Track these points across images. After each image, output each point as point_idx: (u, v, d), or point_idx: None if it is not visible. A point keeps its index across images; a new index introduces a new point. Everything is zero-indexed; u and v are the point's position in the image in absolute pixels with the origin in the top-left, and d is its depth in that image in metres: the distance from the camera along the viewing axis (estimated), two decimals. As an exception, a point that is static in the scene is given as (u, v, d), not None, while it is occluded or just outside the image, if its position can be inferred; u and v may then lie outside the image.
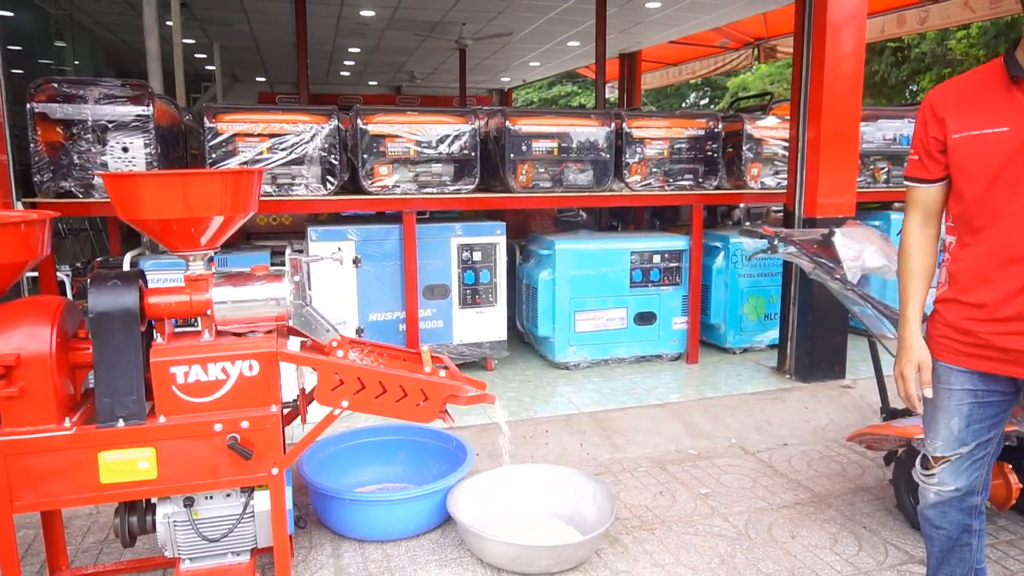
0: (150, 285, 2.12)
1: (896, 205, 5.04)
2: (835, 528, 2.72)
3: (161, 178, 2.03)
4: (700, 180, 4.60)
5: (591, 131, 4.27)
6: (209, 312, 2.07)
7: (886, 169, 4.98)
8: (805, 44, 3.94)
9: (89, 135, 3.40)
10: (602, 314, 4.39)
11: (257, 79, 14.96)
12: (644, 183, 4.46)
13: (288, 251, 2.27)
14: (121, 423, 1.99)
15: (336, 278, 3.89)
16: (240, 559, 2.23)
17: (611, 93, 12.51)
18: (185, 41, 8.36)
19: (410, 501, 2.56)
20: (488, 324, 4.22)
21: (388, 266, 3.98)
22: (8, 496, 1.92)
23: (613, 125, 4.33)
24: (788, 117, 4.72)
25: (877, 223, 4.91)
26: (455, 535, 2.64)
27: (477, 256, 4.15)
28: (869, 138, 4.85)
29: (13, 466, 1.91)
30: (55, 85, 3.37)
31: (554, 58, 12.54)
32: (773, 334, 4.75)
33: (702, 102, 24.16)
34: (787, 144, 4.68)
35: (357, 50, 11.66)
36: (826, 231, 3.09)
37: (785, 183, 4.66)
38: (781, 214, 5.44)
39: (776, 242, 3.25)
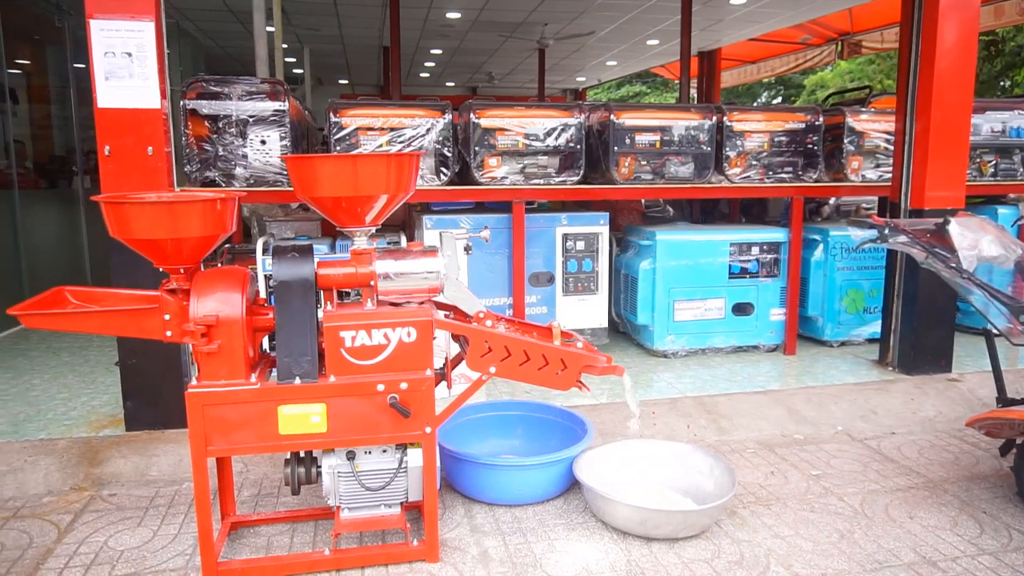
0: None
1: (1011, 196, 4.93)
2: (953, 512, 2.75)
3: (336, 160, 2.26)
4: (799, 173, 4.62)
5: (692, 124, 4.35)
6: (372, 283, 2.28)
7: (993, 162, 4.88)
8: (914, 33, 3.93)
9: (232, 129, 3.70)
10: (700, 304, 4.47)
11: (340, 81, 15.52)
12: (744, 175, 4.51)
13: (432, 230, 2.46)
14: (297, 380, 2.21)
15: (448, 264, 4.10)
16: (392, 511, 2.43)
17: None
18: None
19: (539, 467, 2.72)
20: (590, 311, 4.36)
21: (496, 254, 4.17)
22: (204, 441, 2.17)
23: (714, 118, 4.41)
24: (889, 110, 4.71)
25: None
26: (578, 502, 2.79)
27: (580, 245, 4.30)
28: (976, 131, 4.77)
29: (208, 415, 2.17)
30: (204, 83, 3.69)
31: (632, 57, 12.59)
32: (872, 328, 4.73)
33: (774, 101, 23.71)
34: (890, 137, 4.66)
35: (439, 51, 11.99)
36: (939, 220, 3.10)
37: (886, 176, 4.64)
38: (873, 210, 5.41)
39: (886, 231, 3.28)
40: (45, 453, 3.07)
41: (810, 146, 4.62)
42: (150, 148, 3.03)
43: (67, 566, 2.36)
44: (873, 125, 4.73)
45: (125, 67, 2.96)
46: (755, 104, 22.68)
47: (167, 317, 2.17)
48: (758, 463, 3.19)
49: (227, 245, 4.51)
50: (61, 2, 6.57)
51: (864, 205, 5.68)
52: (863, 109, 4.85)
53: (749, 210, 5.92)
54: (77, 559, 2.41)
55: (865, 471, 3.12)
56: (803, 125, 4.61)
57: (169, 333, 2.19)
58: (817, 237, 4.70)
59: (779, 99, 23.56)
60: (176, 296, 2.19)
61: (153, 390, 3.24)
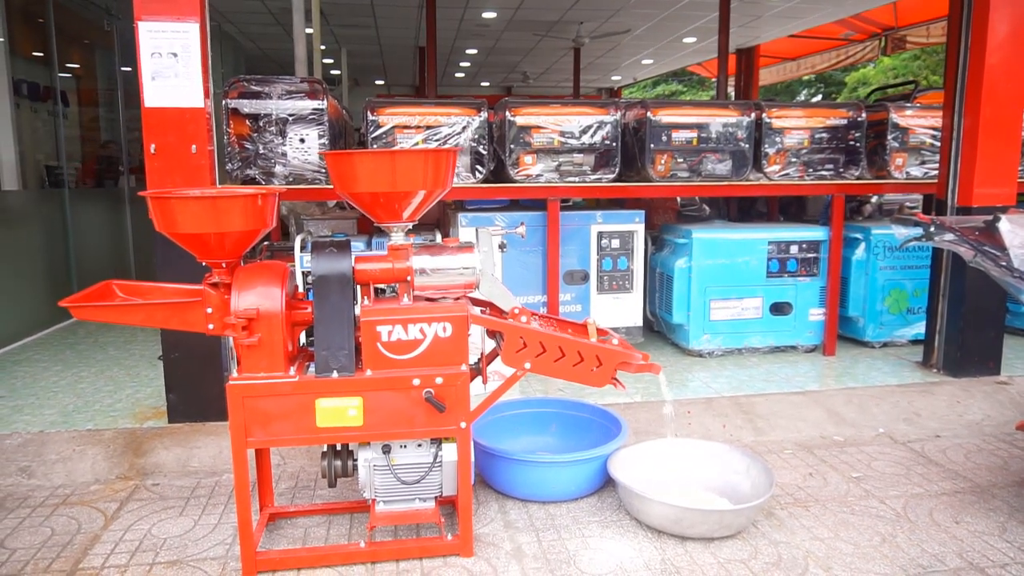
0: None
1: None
2: (1002, 517, 2.66)
3: (374, 155, 2.28)
4: (841, 170, 4.53)
5: (730, 121, 4.30)
6: (409, 279, 2.30)
7: (1045, 159, 4.71)
8: (963, 27, 3.82)
9: (272, 127, 3.77)
10: (737, 303, 4.41)
11: (376, 82, 15.69)
12: (783, 173, 4.44)
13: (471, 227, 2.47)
14: (335, 374, 2.24)
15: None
16: (426, 505, 2.45)
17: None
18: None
19: (573, 464, 2.72)
20: (625, 310, 4.34)
21: (530, 251, 4.17)
22: (244, 432, 2.21)
23: (752, 115, 4.34)
24: (935, 105, 4.58)
25: (1033, 215, 4.65)
26: (612, 500, 2.78)
27: (615, 243, 4.27)
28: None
29: (249, 407, 2.20)
30: (245, 83, 3.76)
31: (668, 55, 12.49)
32: (916, 329, 4.61)
33: (815, 99, 23.28)
34: (936, 133, 4.54)
35: (474, 51, 12.05)
36: (989, 218, 3.01)
37: (932, 173, 4.52)
38: (917, 209, 5.27)
39: (932, 229, 3.19)
40: (92, 443, 3.17)
41: (852, 143, 4.52)
42: (194, 146, 3.10)
43: (113, 552, 2.43)
44: (919, 121, 4.61)
45: (171, 67, 3.03)
46: (794, 101, 22.27)
47: (209, 310, 2.22)
48: (796, 464, 3.14)
49: (266, 242, 4.58)
50: (110, 6, 6.76)
51: (908, 204, 5.54)
52: (908, 104, 4.73)
53: (788, 209, 5.82)
54: (122, 546, 2.47)
55: (908, 474, 3.04)
56: (845, 121, 4.51)
57: (211, 326, 2.23)
58: (859, 236, 4.60)
59: (819, 97, 23.13)
60: (218, 290, 2.23)
61: (194, 384, 3.32)
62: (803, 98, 23.43)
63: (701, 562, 2.36)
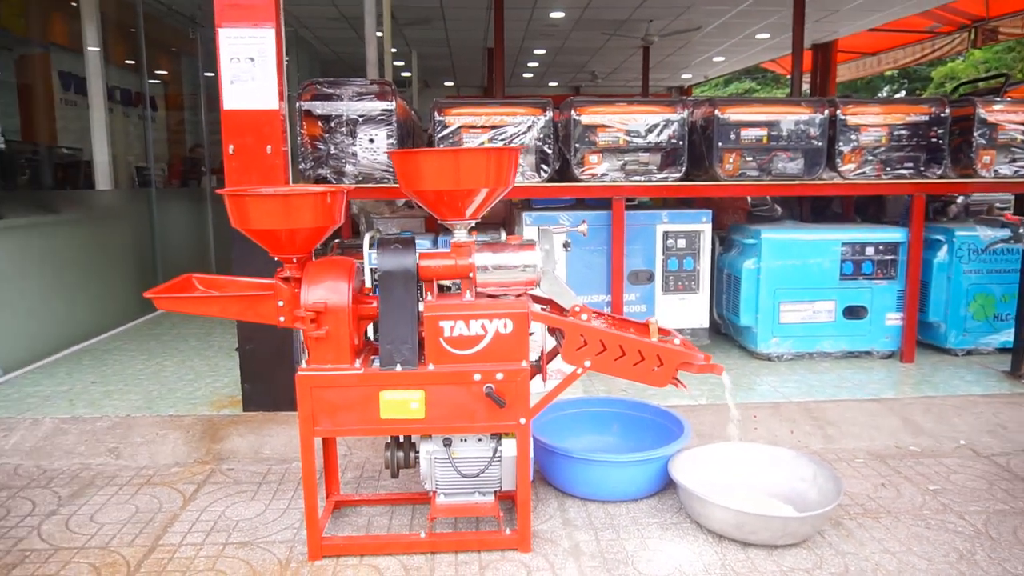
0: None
1: None
2: (1095, 538, 2.50)
3: (438, 154, 2.33)
4: (921, 169, 4.33)
5: (802, 118, 4.17)
6: (471, 275, 2.34)
7: None
8: (1059, 17, 3.60)
9: (343, 128, 3.88)
10: (808, 306, 4.27)
11: (445, 84, 15.92)
12: (858, 172, 4.28)
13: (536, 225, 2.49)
14: (398, 367, 2.30)
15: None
16: (486, 499, 2.48)
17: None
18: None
19: (635, 464, 2.70)
20: (690, 311, 4.27)
21: (595, 251, 4.16)
22: (312, 421, 2.29)
23: (826, 112, 4.20)
24: (1029, 100, 4.33)
25: None
26: (672, 502, 2.74)
27: (681, 243, 4.21)
28: None
29: (316, 397, 2.29)
30: (317, 86, 3.89)
31: (740, 52, 12.20)
32: (1003, 336, 4.36)
33: (897, 95, 22.25)
34: (1028, 129, 4.28)
35: (542, 52, 12.07)
36: (1085, 219, 2.83)
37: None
38: (1008, 209, 4.98)
39: (1022, 231, 3.03)
40: (173, 428, 3.34)
41: (934, 140, 4.32)
42: (269, 146, 3.23)
43: (190, 531, 2.57)
44: (1009, 116, 4.35)
45: (248, 71, 3.17)
46: (871, 98, 21.35)
47: (281, 303, 2.31)
48: (867, 474, 3.02)
49: (336, 240, 4.72)
50: (195, 15, 7.11)
51: (998, 205, 5.26)
52: (997, 99, 4.48)
53: (865, 209, 5.60)
54: (199, 525, 2.61)
55: (991, 489, 2.88)
56: (926, 117, 4.30)
57: (282, 319, 2.32)
58: (941, 238, 4.38)
59: (902, 93, 22.11)
60: (289, 284, 2.32)
61: (267, 375, 3.46)
62: (885, 94, 22.46)
63: (763, 569, 2.31)
